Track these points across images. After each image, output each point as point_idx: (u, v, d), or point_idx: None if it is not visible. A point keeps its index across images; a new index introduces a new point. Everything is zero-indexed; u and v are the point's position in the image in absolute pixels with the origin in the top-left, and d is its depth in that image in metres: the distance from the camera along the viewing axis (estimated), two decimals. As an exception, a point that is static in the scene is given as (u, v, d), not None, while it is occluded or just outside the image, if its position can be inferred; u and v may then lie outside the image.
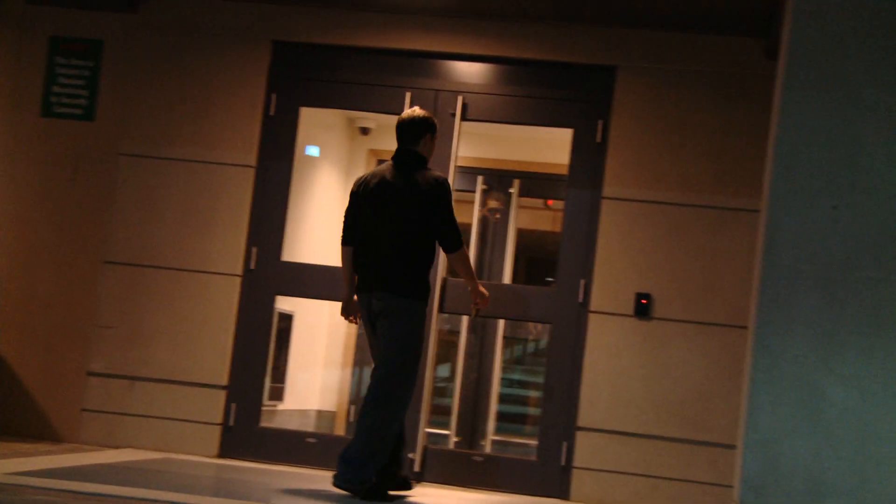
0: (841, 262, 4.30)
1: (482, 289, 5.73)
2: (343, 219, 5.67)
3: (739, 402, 5.32)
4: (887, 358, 4.24)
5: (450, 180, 6.62)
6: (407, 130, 5.58)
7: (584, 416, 6.38)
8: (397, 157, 5.60)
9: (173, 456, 6.46)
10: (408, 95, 6.69)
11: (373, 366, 5.59)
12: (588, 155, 6.57)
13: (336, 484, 5.33)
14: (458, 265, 5.62)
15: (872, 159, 4.32)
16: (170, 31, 6.87)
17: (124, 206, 6.79)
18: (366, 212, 5.54)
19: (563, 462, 6.41)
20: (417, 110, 5.65)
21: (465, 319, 8.12)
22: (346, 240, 5.64)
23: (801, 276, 4.33)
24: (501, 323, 8.32)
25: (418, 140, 5.58)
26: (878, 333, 4.26)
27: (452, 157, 6.67)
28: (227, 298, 6.70)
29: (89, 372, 6.72)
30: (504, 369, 9.04)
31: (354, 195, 5.62)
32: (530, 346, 10.54)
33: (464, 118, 6.70)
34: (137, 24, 6.88)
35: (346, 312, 5.75)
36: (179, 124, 6.81)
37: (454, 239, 5.51)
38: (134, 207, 6.79)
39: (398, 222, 5.46)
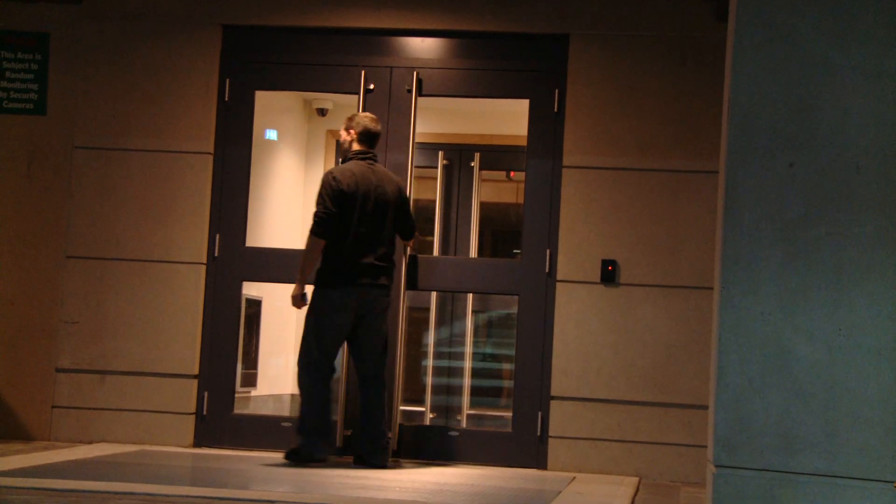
0: (800, 218, 4.32)
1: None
2: (323, 213, 5.93)
3: (709, 362, 5.36)
4: (851, 311, 4.28)
5: (410, 156, 6.62)
6: (377, 137, 6.23)
7: (557, 386, 6.41)
8: (371, 158, 6.17)
9: (148, 448, 6.44)
10: (363, 73, 6.66)
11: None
12: (546, 125, 6.58)
13: (369, 464, 5.99)
14: (413, 243, 6.43)
15: (825, 114, 4.33)
16: (116, 19, 6.79)
17: (82, 200, 6.73)
18: (360, 211, 5.96)
19: (538, 432, 6.44)
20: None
21: (433, 296, 8.13)
22: (325, 234, 5.93)
23: (762, 234, 4.35)
24: (470, 297, 8.33)
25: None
26: (841, 287, 4.29)
27: (411, 134, 6.64)
28: (192, 287, 6.66)
29: (58, 368, 6.67)
30: (475, 343, 9.06)
31: (343, 193, 5.93)
32: (500, 319, 10.55)
33: (420, 93, 6.67)
34: (83, 13, 6.80)
35: (302, 301, 6.10)
36: (133, 114, 6.74)
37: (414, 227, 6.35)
38: (92, 200, 6.73)
39: (391, 222, 6.10)
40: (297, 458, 5.94)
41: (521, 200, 6.74)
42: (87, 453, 6.02)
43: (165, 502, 4.44)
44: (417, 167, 6.97)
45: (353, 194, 5.95)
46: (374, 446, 6.00)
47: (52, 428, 6.65)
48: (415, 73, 6.62)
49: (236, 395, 6.82)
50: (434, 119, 8.33)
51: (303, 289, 6.05)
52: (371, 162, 6.13)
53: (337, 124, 8.80)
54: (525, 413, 6.48)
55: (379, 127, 6.21)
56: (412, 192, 6.65)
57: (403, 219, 6.17)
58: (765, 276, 4.32)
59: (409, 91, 6.63)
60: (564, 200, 6.47)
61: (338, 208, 5.92)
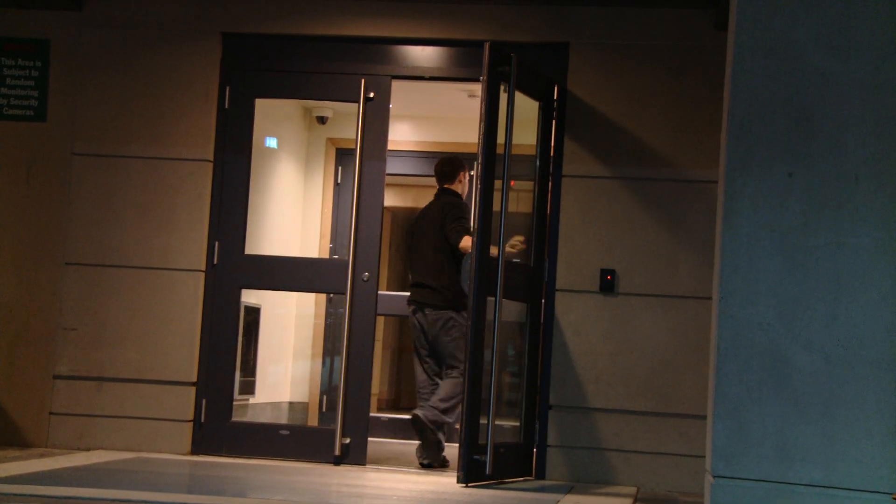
0: (799, 228, 4.32)
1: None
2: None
3: (707, 372, 5.36)
4: (849, 322, 4.28)
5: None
6: (438, 173, 6.93)
7: (555, 395, 6.40)
8: (438, 193, 6.92)
9: (145, 455, 6.43)
10: (362, 82, 6.66)
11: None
12: (546, 133, 6.56)
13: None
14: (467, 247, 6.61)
15: (824, 124, 4.34)
16: (116, 26, 6.80)
17: (82, 207, 6.73)
18: (412, 238, 6.89)
19: (536, 442, 6.42)
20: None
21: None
22: (405, 265, 7.19)
23: (761, 244, 4.35)
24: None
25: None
26: (840, 297, 4.29)
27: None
28: (191, 294, 6.66)
29: (56, 375, 6.66)
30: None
31: (408, 232, 7.09)
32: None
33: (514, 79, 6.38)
34: (83, 21, 6.81)
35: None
36: (133, 121, 6.75)
37: None
38: (91, 207, 6.73)
39: (433, 241, 6.75)
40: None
41: (521, 209, 6.72)
42: (84, 460, 6.01)
43: (162, 510, 4.43)
44: (415, 175, 6.97)
45: (412, 228, 6.87)
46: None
47: (49, 435, 6.64)
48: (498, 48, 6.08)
49: (234, 403, 6.81)
50: (433, 128, 8.34)
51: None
52: (438, 196, 6.82)
53: (337, 132, 8.84)
54: (525, 422, 6.45)
55: (439, 166, 6.85)
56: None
57: (442, 229, 6.60)
58: (763, 286, 4.32)
59: (507, 74, 6.04)
60: (563, 209, 6.47)
61: (407, 243, 6.90)
